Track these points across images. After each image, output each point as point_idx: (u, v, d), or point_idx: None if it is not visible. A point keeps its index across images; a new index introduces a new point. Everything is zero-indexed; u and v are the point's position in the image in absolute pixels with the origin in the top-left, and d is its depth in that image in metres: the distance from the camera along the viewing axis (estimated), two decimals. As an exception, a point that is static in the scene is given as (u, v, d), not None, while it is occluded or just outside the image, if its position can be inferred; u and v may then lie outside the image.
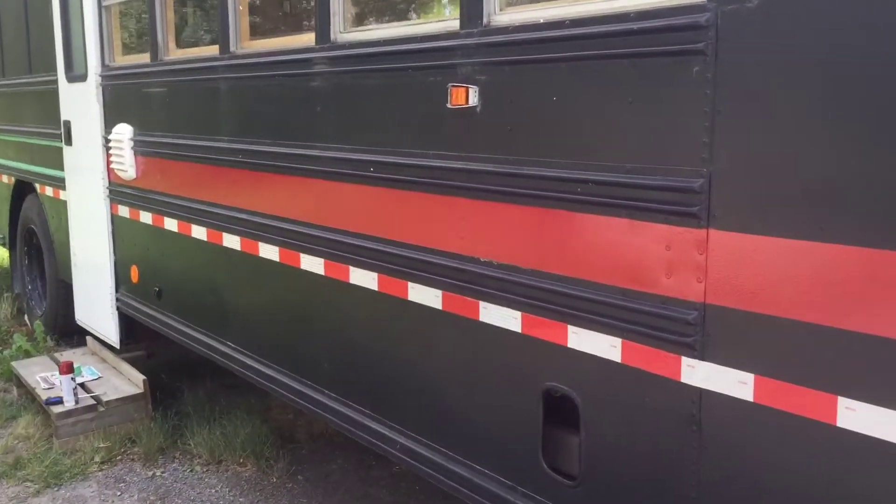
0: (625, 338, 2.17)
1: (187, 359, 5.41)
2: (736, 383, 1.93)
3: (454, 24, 2.59)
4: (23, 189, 6.84)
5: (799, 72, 1.76)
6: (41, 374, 5.36)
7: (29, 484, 4.48)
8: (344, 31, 3.10)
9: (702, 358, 2.00)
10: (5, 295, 7.81)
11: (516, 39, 2.39)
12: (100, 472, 4.61)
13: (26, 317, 7.16)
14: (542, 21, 2.34)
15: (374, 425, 3.13)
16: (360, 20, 3.25)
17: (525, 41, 2.36)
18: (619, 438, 2.24)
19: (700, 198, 1.95)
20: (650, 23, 2.02)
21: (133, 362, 5.46)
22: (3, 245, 7.64)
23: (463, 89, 2.53)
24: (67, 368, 4.91)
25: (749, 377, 1.91)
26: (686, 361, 2.03)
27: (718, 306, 1.95)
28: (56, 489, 4.43)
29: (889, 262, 1.63)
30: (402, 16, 3.63)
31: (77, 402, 4.92)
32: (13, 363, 5.83)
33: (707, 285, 1.97)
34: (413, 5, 3.95)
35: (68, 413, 4.85)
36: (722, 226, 1.93)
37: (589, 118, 2.21)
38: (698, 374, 2.01)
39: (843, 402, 1.74)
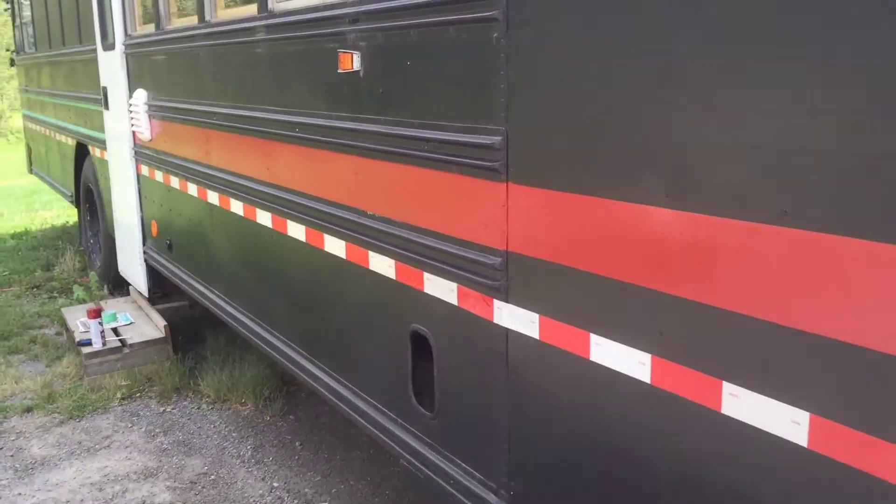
0: (459, 283, 2.38)
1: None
2: (528, 323, 2.12)
3: (344, -6, 2.80)
4: (82, 151, 7.41)
5: (574, 40, 1.91)
6: (81, 319, 5.89)
7: (56, 415, 5.00)
8: (279, 1, 3.34)
9: (506, 300, 2.19)
10: (73, 249, 8.51)
11: (379, 9, 2.59)
12: (119, 407, 5.09)
13: (89, 270, 7.79)
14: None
15: (309, 366, 3.43)
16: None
17: (384, 11, 2.56)
18: (461, 375, 2.45)
19: (499, 154, 2.12)
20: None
21: (171, 312, 5.95)
22: (72, 202, 8.29)
23: (348, 55, 2.74)
24: (95, 314, 5.41)
25: (536, 317, 2.09)
26: (496, 304, 2.22)
27: (517, 254, 2.13)
28: (78, 420, 4.93)
29: (635, 214, 1.78)
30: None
31: (104, 343, 5.41)
32: (63, 309, 6.43)
33: (509, 235, 2.15)
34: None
35: (95, 353, 5.36)
36: (518, 180, 2.10)
37: (426, 82, 2.41)
38: (505, 314, 2.20)
39: (594, 339, 1.91)
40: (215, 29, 3.97)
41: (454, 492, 2.47)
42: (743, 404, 1.58)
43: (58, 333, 6.42)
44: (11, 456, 4.51)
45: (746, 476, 1.60)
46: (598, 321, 1.90)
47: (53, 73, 8.16)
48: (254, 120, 3.58)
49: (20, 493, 4.11)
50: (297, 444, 4.55)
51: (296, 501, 3.94)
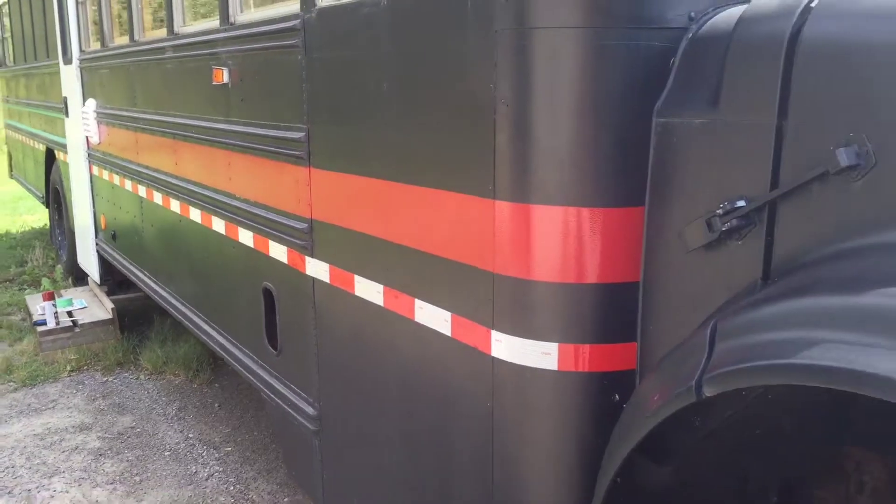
0: (288, 246, 3.10)
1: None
2: (323, 272, 2.84)
3: (214, 23, 3.54)
4: (51, 155, 8.13)
5: (342, 64, 2.62)
6: (39, 304, 6.60)
7: (12, 384, 5.70)
8: (183, 26, 4.08)
9: (312, 256, 2.91)
10: (43, 247, 9.23)
11: (237, 35, 3.32)
12: (67, 378, 5.80)
13: (57, 264, 8.50)
14: (246, 21, 3.26)
15: (204, 326, 4.14)
16: (193, 16, 4.21)
17: (239, 37, 3.30)
18: (291, 319, 3.17)
19: (303, 146, 2.85)
20: (278, 25, 2.93)
21: (126, 301, 6.64)
22: (44, 203, 9.02)
23: (220, 70, 3.47)
24: (49, 297, 6.14)
25: (327, 266, 2.81)
26: (307, 259, 2.94)
27: (317, 220, 2.85)
28: (30, 388, 5.63)
29: (369, 186, 2.50)
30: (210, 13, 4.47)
31: (58, 323, 6.12)
32: (27, 297, 7.14)
33: (312, 206, 2.87)
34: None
35: (49, 332, 6.07)
36: (316, 165, 2.82)
37: (262, 91, 3.14)
38: (311, 267, 2.92)
39: (357, 279, 2.63)
40: (141, 47, 4.70)
41: (288, 408, 3.19)
42: (424, 313, 2.30)
43: (22, 319, 7.12)
44: (-32, 415, 5.22)
45: (431, 362, 2.32)
46: (359, 265, 2.62)
47: (28, 84, 8.90)
48: (164, 123, 4.31)
49: (-28, 443, 4.81)
50: (216, 405, 5.26)
51: (205, 447, 4.64)
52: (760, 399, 1.72)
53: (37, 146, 8.73)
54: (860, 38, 1.53)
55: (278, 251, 3.17)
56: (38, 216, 13.26)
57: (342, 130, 2.65)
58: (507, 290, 1.99)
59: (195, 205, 4.05)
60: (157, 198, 4.67)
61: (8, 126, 11.11)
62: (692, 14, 1.85)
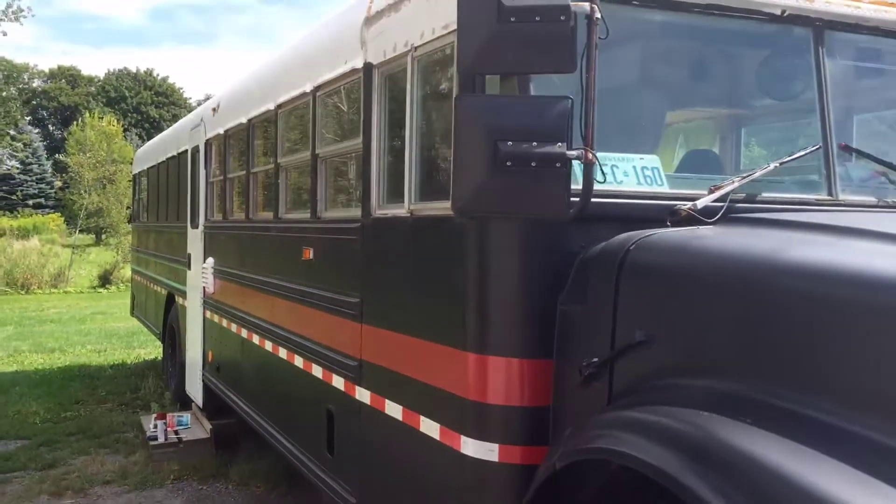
0: (344, 378, 4.30)
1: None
2: (367, 396, 4.02)
3: (307, 215, 4.92)
4: (170, 299, 9.72)
5: (382, 254, 3.90)
6: (151, 423, 7.95)
7: (126, 486, 6.96)
8: (284, 213, 5.51)
9: (360, 385, 4.10)
10: (156, 376, 10.72)
11: (318, 227, 4.69)
12: (170, 484, 7.02)
13: (165, 393, 9.92)
14: (327, 217, 4.63)
15: (282, 439, 5.34)
16: (293, 206, 5.64)
17: (320, 229, 4.66)
18: (345, 431, 4.33)
19: (358, 307, 4.11)
20: (347, 224, 4.27)
21: (223, 425, 7.91)
22: (159, 339, 10.57)
23: (308, 250, 4.83)
24: (161, 416, 7.47)
25: (368, 393, 3.99)
26: (356, 388, 4.14)
27: (365, 360, 4.07)
28: (140, 491, 6.87)
29: (390, 337, 3.72)
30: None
31: (166, 439, 7.43)
32: (141, 417, 8.52)
33: (362, 349, 4.09)
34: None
35: (159, 446, 7.37)
36: (366, 322, 4.07)
37: (334, 267, 4.46)
38: (359, 393, 4.11)
39: (387, 402, 3.81)
40: (252, 224, 6.17)
41: (336, 499, 4.31)
42: (426, 425, 3.44)
43: (135, 436, 8.46)
44: (93, 508, 6.47)
45: (429, 456, 3.44)
46: (388, 391, 3.80)
47: (158, 239, 10.65)
48: (264, 282, 5.69)
49: (96, 529, 6.03)
50: (288, 512, 6.38)
51: (276, 543, 5.74)
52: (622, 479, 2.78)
53: (160, 290, 10.36)
54: (654, 265, 2.71)
55: (338, 381, 4.39)
56: (150, 350, 14.93)
57: (381, 299, 3.90)
58: (470, 408, 3.14)
59: (283, 345, 5.34)
60: (255, 338, 6.00)
61: (134, 272, 12.94)
62: (582, 245, 3.05)
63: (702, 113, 4.67)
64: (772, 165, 3.27)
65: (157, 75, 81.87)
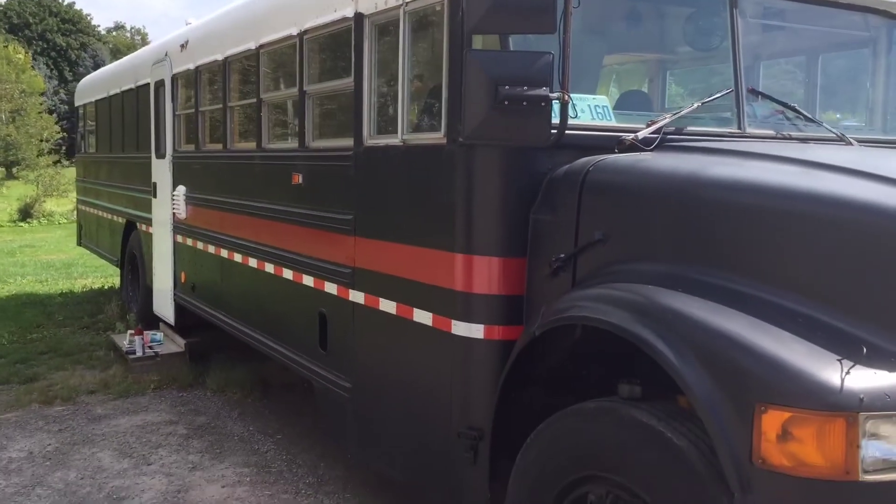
0: (337, 283, 5.07)
1: (219, 336, 8.53)
2: (361, 297, 4.81)
3: (294, 144, 5.60)
4: (129, 227, 10.23)
5: (372, 176, 4.65)
6: (125, 340, 8.57)
7: (110, 395, 7.62)
8: (268, 143, 6.16)
9: (353, 288, 4.88)
10: (116, 302, 11.25)
11: (306, 155, 5.39)
12: (152, 393, 7.71)
13: (127, 315, 10.49)
14: (315, 146, 5.33)
15: (270, 343, 6.09)
16: (275, 138, 6.29)
17: (308, 156, 5.36)
18: (336, 331, 5.12)
19: (351, 223, 4.86)
20: (340, 152, 4.98)
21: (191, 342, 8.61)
22: (117, 265, 11.08)
23: (297, 175, 5.52)
24: (139, 333, 8.11)
25: (362, 294, 4.78)
26: (350, 291, 4.92)
27: (358, 267, 4.84)
28: (125, 398, 7.54)
29: (384, 246, 4.50)
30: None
31: (144, 353, 8.09)
32: (112, 335, 9.13)
33: (355, 258, 4.86)
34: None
35: (138, 359, 8.03)
36: (358, 234, 4.83)
37: (325, 189, 5.18)
38: (352, 296, 4.89)
39: (381, 300, 4.60)
40: (232, 153, 6.80)
41: (330, 386, 5.11)
42: (418, 315, 4.26)
43: (106, 353, 9.07)
44: (85, 413, 7.12)
45: (422, 341, 4.27)
46: (381, 292, 4.58)
47: (111, 169, 11.05)
48: (247, 206, 6.36)
49: (94, 429, 6.71)
50: (266, 412, 7.16)
51: (262, 435, 6.54)
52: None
53: (116, 219, 10.82)
54: (607, 182, 3.55)
55: (331, 287, 5.15)
56: (92, 279, 15.31)
57: (374, 214, 4.66)
58: (460, 298, 3.95)
59: (270, 261, 6.05)
60: (237, 257, 6.69)
61: (81, 202, 13.27)
62: (549, 167, 3.86)
63: (634, 57, 5.53)
64: (696, 104, 4.13)
65: (63, 1, 78.54)
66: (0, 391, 7.76)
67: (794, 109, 4.44)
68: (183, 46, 7.93)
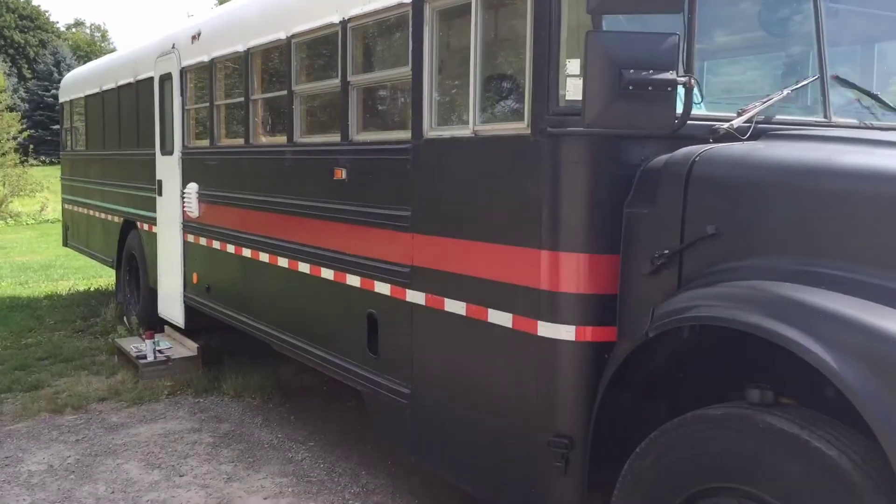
0: (391, 284, 4.82)
1: (230, 339, 8.21)
2: (420, 298, 4.56)
3: (335, 138, 5.34)
4: (127, 227, 9.85)
5: (433, 171, 4.41)
6: (133, 345, 8.22)
7: (123, 403, 7.28)
8: (300, 136, 5.88)
9: (411, 288, 4.63)
10: (113, 304, 10.86)
11: (351, 149, 5.12)
12: (166, 399, 7.38)
13: (125, 318, 10.10)
14: (361, 140, 5.07)
15: (305, 346, 5.82)
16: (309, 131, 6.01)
17: (353, 150, 5.10)
18: (391, 333, 4.86)
19: (408, 220, 4.61)
20: (395, 146, 4.73)
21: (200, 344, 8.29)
22: (112, 266, 10.68)
23: (340, 170, 5.25)
24: (150, 336, 7.76)
25: (422, 294, 4.53)
26: (408, 291, 4.66)
27: (416, 266, 4.59)
28: (139, 406, 7.21)
29: (448, 243, 4.25)
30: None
31: (155, 357, 7.75)
32: (117, 339, 8.76)
33: (413, 257, 4.61)
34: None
35: (149, 364, 7.69)
36: (416, 231, 4.57)
37: (375, 185, 4.92)
38: (410, 296, 4.64)
39: (447, 301, 4.36)
40: (253, 149, 6.50)
41: (384, 392, 4.86)
42: (493, 316, 4.02)
43: (108, 358, 8.71)
44: (100, 422, 6.79)
45: (497, 345, 4.03)
46: (447, 291, 4.34)
47: (106, 167, 10.64)
48: (276, 203, 6.07)
49: (113, 439, 6.38)
50: (291, 418, 6.87)
51: (293, 443, 6.25)
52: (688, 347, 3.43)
53: (111, 218, 10.43)
54: (718, 174, 3.35)
55: (383, 287, 4.89)
56: (75, 281, 14.84)
57: (437, 210, 4.41)
58: (546, 298, 3.73)
59: (304, 260, 5.77)
60: (263, 257, 6.39)
61: (68, 202, 12.81)
62: (642, 158, 3.65)
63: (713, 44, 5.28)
64: (785, 92, 3.94)
65: (21, -3, 76.79)
66: (4, 400, 7.38)
67: (876, 98, 4.28)
68: (195, 38, 7.61)
